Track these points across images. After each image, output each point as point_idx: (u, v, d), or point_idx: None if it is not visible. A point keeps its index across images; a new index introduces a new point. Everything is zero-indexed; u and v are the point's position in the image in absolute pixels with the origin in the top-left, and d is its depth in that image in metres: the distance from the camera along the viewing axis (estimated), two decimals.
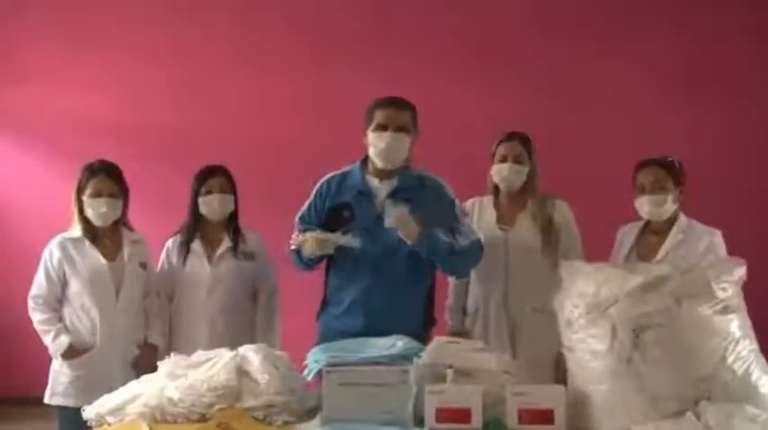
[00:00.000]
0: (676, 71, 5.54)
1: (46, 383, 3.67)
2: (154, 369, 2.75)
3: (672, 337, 2.29)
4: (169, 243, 3.92)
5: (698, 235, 3.52)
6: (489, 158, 3.74)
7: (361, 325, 3.14)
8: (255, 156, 5.35)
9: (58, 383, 3.63)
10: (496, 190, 3.78)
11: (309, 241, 3.17)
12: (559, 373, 2.77)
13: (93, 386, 3.36)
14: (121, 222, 3.74)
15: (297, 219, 3.42)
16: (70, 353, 3.58)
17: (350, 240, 3.19)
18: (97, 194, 3.61)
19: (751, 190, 5.38)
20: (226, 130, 5.60)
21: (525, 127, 3.81)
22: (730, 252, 3.38)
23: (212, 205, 3.81)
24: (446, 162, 5.19)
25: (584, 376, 2.41)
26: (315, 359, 2.53)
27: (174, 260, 3.87)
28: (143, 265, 3.76)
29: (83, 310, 3.62)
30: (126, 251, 3.70)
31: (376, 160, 3.30)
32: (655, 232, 3.58)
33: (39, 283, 3.66)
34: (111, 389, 2.66)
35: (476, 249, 3.34)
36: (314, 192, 3.41)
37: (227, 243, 3.86)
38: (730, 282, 2.37)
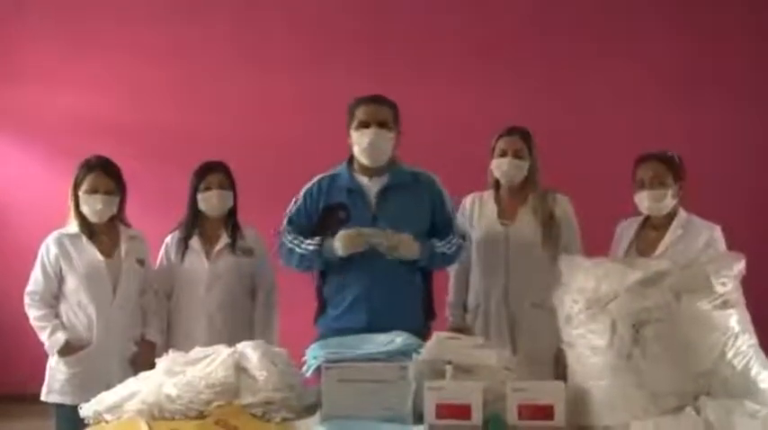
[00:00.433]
0: (676, 70, 5.55)
1: (43, 380, 3.66)
2: (151, 366, 2.74)
3: (671, 332, 2.28)
4: (168, 239, 3.93)
5: (697, 230, 3.52)
6: (489, 153, 3.73)
7: (363, 322, 3.14)
8: (255, 155, 5.35)
9: (55, 380, 3.62)
10: (497, 185, 3.78)
11: (347, 239, 3.17)
12: (559, 369, 2.76)
13: (89, 383, 3.37)
14: (118, 218, 3.73)
15: (285, 222, 3.40)
16: (67, 351, 3.57)
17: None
18: (93, 191, 3.60)
19: (750, 187, 5.38)
20: (225, 130, 5.61)
21: (525, 124, 3.80)
22: (730, 247, 3.38)
23: (211, 201, 3.81)
24: (446, 161, 5.22)
25: (583, 372, 2.41)
26: (314, 355, 2.52)
27: (173, 256, 3.87)
28: (140, 262, 3.75)
29: (79, 307, 3.61)
30: (123, 247, 3.69)
31: (361, 158, 3.31)
32: (654, 227, 3.58)
33: (35, 279, 3.65)
34: (108, 387, 2.65)
35: (464, 248, 3.46)
36: (302, 194, 3.40)
37: (225, 239, 3.86)
38: (730, 276, 2.36)
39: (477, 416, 2.35)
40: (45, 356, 3.66)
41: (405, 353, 2.49)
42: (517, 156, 3.67)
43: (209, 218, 3.86)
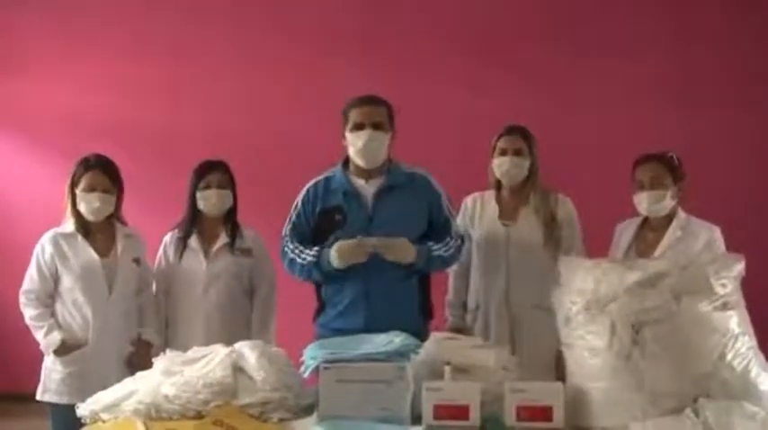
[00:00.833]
0: (676, 71, 5.53)
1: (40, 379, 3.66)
2: (148, 366, 2.73)
3: (671, 334, 2.28)
4: (167, 238, 3.92)
5: (696, 231, 3.51)
6: (489, 153, 3.73)
7: (361, 323, 3.14)
8: (253, 154, 5.34)
9: (51, 380, 3.61)
10: (498, 185, 3.77)
11: (343, 251, 3.16)
12: (559, 370, 2.76)
13: (85, 383, 3.37)
14: (115, 217, 3.71)
15: (287, 230, 3.38)
16: (62, 350, 3.55)
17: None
18: (90, 189, 3.59)
19: (750, 188, 5.37)
20: (224, 129, 5.60)
21: (525, 124, 3.80)
22: (729, 249, 3.37)
23: (210, 200, 3.80)
24: (445, 161, 5.23)
25: (582, 373, 2.40)
26: (312, 355, 2.51)
27: (171, 255, 3.86)
28: (136, 260, 3.73)
29: (75, 306, 3.59)
30: (119, 246, 3.68)
31: (356, 160, 3.30)
32: (653, 228, 3.58)
33: (30, 279, 3.64)
34: (103, 387, 2.64)
35: (462, 249, 3.46)
36: (299, 200, 3.38)
37: (223, 239, 3.85)
38: (729, 277, 2.36)
39: (475, 417, 2.35)
40: (42, 355, 3.64)
41: (403, 354, 2.48)
42: (517, 154, 3.66)
43: (208, 217, 3.85)
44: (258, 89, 5.73)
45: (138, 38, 5.78)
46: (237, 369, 2.54)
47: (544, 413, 2.35)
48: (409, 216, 3.29)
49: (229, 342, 2.72)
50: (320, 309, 3.41)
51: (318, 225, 3.31)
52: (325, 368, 2.42)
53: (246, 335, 3.51)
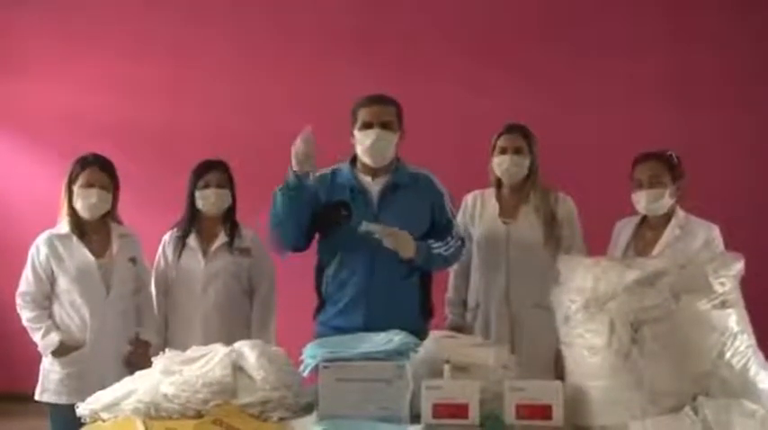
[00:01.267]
0: (675, 70, 5.53)
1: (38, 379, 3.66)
2: (146, 365, 2.74)
3: (670, 332, 2.28)
4: (166, 237, 3.92)
5: (695, 229, 3.51)
6: (489, 151, 3.73)
7: (360, 322, 3.14)
8: (253, 154, 5.34)
9: (49, 380, 3.61)
10: (499, 183, 3.77)
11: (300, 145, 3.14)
12: (559, 369, 2.76)
13: (84, 383, 3.37)
14: (110, 217, 3.71)
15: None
16: (61, 351, 3.55)
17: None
18: (89, 185, 3.58)
19: (749, 187, 5.37)
20: (225, 129, 5.60)
21: (524, 124, 3.80)
22: (728, 248, 3.37)
23: (209, 200, 3.81)
24: (446, 160, 5.23)
25: (582, 371, 2.41)
26: (311, 354, 2.51)
27: (170, 254, 3.87)
28: (132, 260, 3.73)
29: (72, 307, 3.59)
30: (115, 246, 3.67)
31: (364, 158, 3.30)
32: (652, 227, 3.57)
33: (26, 281, 3.63)
34: (102, 386, 2.64)
35: (462, 250, 3.45)
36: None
37: (222, 238, 3.85)
38: (728, 276, 2.37)
39: (474, 416, 2.35)
40: (41, 355, 3.64)
41: (402, 353, 2.48)
42: (517, 153, 3.67)
43: (207, 216, 3.86)
44: (258, 89, 5.73)
45: (138, 38, 5.79)
46: (237, 368, 2.54)
47: (543, 411, 2.35)
48: (413, 215, 3.29)
49: (228, 341, 2.72)
50: (320, 307, 3.41)
51: (322, 217, 3.30)
52: (325, 367, 2.43)
53: (246, 335, 3.52)
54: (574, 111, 5.49)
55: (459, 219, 3.75)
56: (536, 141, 3.72)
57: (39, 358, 3.65)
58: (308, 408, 2.51)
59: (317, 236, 3.37)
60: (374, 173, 3.32)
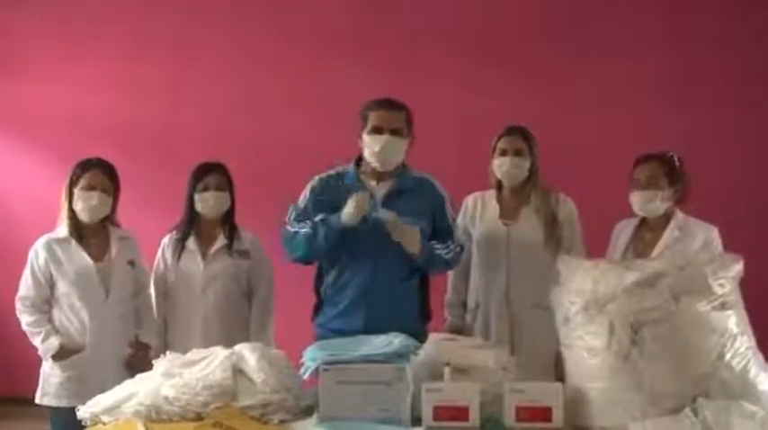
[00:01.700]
0: (675, 70, 5.53)
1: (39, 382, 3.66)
2: (146, 368, 2.74)
3: (670, 334, 2.28)
4: (165, 240, 3.92)
5: (694, 231, 3.50)
6: (490, 153, 3.73)
7: (360, 324, 3.15)
8: (253, 155, 5.35)
9: (49, 384, 3.61)
10: (499, 185, 3.77)
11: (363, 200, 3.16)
12: (559, 370, 2.76)
13: (84, 386, 3.37)
14: (109, 220, 3.71)
15: (291, 215, 3.37)
16: (61, 355, 3.55)
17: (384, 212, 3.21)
18: (90, 188, 3.59)
19: (748, 188, 5.36)
20: (225, 130, 5.59)
21: (525, 125, 3.80)
22: (727, 249, 3.37)
23: (208, 203, 3.81)
24: (446, 160, 5.23)
25: (581, 373, 2.41)
26: (311, 357, 2.51)
27: (169, 257, 3.87)
28: (131, 263, 3.73)
29: (72, 311, 3.59)
30: (113, 249, 3.67)
31: (372, 162, 3.31)
32: (651, 229, 3.57)
33: (26, 285, 3.63)
34: (102, 390, 2.65)
35: (460, 256, 3.49)
36: (308, 190, 3.39)
37: (221, 241, 3.85)
38: (728, 278, 2.36)
39: (474, 418, 2.36)
40: (41, 358, 3.64)
41: (402, 355, 2.48)
42: (518, 155, 3.67)
43: (206, 219, 3.86)
44: (258, 89, 5.72)
45: (138, 38, 5.78)
46: (237, 371, 2.55)
47: (543, 413, 2.36)
48: (417, 219, 3.30)
49: (228, 343, 2.72)
50: (318, 308, 3.41)
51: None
52: (325, 370, 2.43)
53: (245, 337, 3.54)
54: (574, 111, 5.48)
55: (460, 220, 3.77)
56: (536, 143, 3.72)
57: (39, 361, 3.65)
58: (308, 411, 2.52)
59: None
60: (379, 176, 3.34)
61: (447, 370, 2.46)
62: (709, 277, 2.34)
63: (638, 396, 2.26)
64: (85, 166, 3.63)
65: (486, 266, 3.71)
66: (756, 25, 5.50)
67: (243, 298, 3.89)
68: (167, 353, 2.73)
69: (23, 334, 3.64)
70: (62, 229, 3.64)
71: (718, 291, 2.33)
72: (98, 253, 3.65)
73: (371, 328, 2.84)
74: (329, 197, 3.33)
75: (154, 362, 2.69)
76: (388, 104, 3.32)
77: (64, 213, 3.64)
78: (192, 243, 3.85)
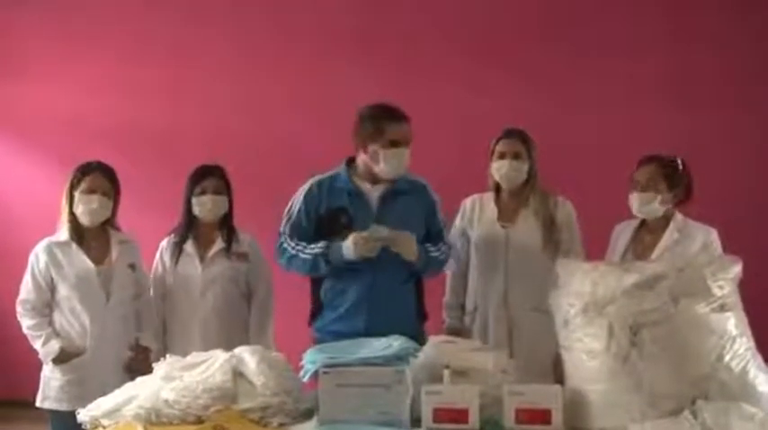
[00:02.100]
0: (675, 70, 5.53)
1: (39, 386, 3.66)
2: (146, 371, 2.74)
3: (669, 336, 2.29)
4: (163, 243, 3.93)
5: (693, 233, 3.50)
6: (488, 156, 3.73)
7: (362, 327, 3.15)
8: (253, 156, 5.36)
9: (50, 387, 3.61)
10: (497, 187, 3.77)
11: (359, 242, 3.17)
12: (557, 373, 2.76)
13: (84, 390, 3.37)
14: (110, 224, 3.71)
15: (285, 227, 3.38)
16: (61, 358, 3.55)
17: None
18: (91, 191, 3.58)
19: (748, 190, 5.36)
20: (225, 130, 5.60)
21: (524, 126, 3.80)
22: (726, 250, 3.37)
23: (205, 206, 3.81)
24: (446, 160, 5.24)
25: (581, 375, 2.41)
26: (311, 360, 2.51)
27: (167, 260, 3.87)
28: (132, 266, 3.73)
29: (73, 314, 3.59)
30: (114, 252, 3.67)
31: (386, 174, 3.32)
32: (650, 231, 3.57)
33: (26, 288, 3.63)
34: (103, 393, 2.65)
35: (450, 258, 3.54)
36: (301, 197, 3.38)
37: (219, 244, 3.85)
38: (727, 279, 2.37)
39: (474, 420, 2.36)
40: (41, 361, 3.64)
41: (401, 358, 2.49)
42: (516, 158, 3.67)
43: (204, 222, 3.86)
44: (258, 90, 5.72)
45: (138, 39, 5.77)
46: (237, 374, 2.56)
47: (543, 416, 2.35)
48: (411, 221, 3.33)
49: (227, 346, 2.73)
50: (317, 312, 3.41)
51: (322, 225, 3.32)
52: (325, 372, 2.43)
53: (244, 340, 3.53)
54: (574, 111, 5.48)
55: (458, 222, 3.79)
56: (535, 146, 3.72)
57: (39, 364, 3.66)
58: (308, 414, 2.52)
59: None
60: (374, 180, 3.34)
61: (446, 372, 2.46)
62: (708, 279, 2.34)
63: (637, 398, 2.27)
64: (86, 170, 3.63)
65: (485, 269, 3.71)
66: (756, 25, 5.49)
67: (242, 300, 3.89)
68: (167, 356, 2.74)
69: (23, 337, 3.64)
70: (63, 233, 3.64)
71: (717, 292, 2.33)
72: (99, 256, 3.65)
73: (372, 331, 2.85)
74: (327, 204, 3.33)
75: (154, 365, 2.70)
76: (402, 117, 3.33)
77: (64, 216, 3.64)
78: (190, 246, 3.85)
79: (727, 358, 2.28)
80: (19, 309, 3.64)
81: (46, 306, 3.62)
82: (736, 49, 5.46)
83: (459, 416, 2.36)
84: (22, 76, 5.81)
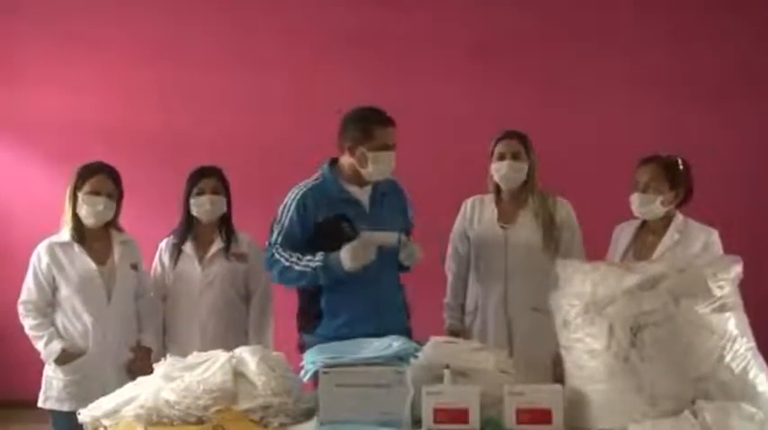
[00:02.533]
0: (676, 70, 5.53)
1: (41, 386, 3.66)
2: (148, 371, 2.74)
3: (669, 336, 2.29)
4: (162, 244, 3.93)
5: (694, 234, 3.49)
6: (488, 157, 3.73)
7: (368, 331, 3.10)
8: (254, 156, 5.36)
9: (52, 388, 3.61)
10: (497, 188, 3.77)
11: (355, 252, 3.15)
12: (557, 373, 2.76)
13: (86, 390, 3.36)
14: (112, 225, 3.70)
15: (278, 238, 3.32)
16: (63, 359, 3.55)
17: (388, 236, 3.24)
18: (95, 193, 3.57)
19: (748, 190, 5.37)
20: (225, 131, 5.60)
21: (524, 126, 3.80)
22: (727, 251, 3.36)
23: (204, 207, 3.81)
24: (446, 160, 5.24)
25: (581, 376, 2.41)
26: (311, 360, 2.51)
27: (166, 261, 3.87)
28: (134, 266, 3.73)
29: (74, 315, 3.58)
30: (116, 253, 3.67)
31: (374, 176, 3.32)
32: (651, 231, 3.56)
33: (28, 289, 3.62)
34: (104, 393, 2.66)
35: None
36: (292, 207, 3.32)
37: (218, 244, 3.85)
38: (727, 279, 2.37)
39: (474, 421, 2.36)
40: (43, 361, 3.63)
41: (402, 358, 2.48)
42: (515, 158, 3.66)
43: (203, 223, 3.86)
44: (258, 90, 5.72)
45: (136, 41, 5.77)
46: (238, 374, 2.56)
47: (543, 416, 2.36)
48: (397, 220, 3.39)
49: (226, 347, 2.73)
50: (316, 320, 3.36)
51: (321, 235, 3.29)
52: (325, 373, 2.43)
53: (243, 340, 3.54)
54: (574, 111, 5.49)
55: (458, 223, 3.79)
56: (533, 147, 3.72)
57: (39, 364, 3.65)
58: (308, 414, 2.52)
59: None
60: (362, 182, 3.36)
61: (447, 372, 2.47)
62: (708, 279, 2.34)
63: (637, 398, 2.27)
64: (90, 171, 3.62)
65: (484, 269, 3.71)
66: (756, 25, 5.50)
67: (241, 301, 3.89)
68: (167, 356, 2.74)
69: (24, 337, 3.64)
70: (64, 233, 3.64)
71: (718, 293, 2.33)
72: (101, 257, 3.65)
73: (377, 333, 2.82)
74: (324, 210, 3.31)
75: (155, 365, 2.70)
76: (390, 120, 3.33)
77: (67, 217, 3.63)
78: (188, 247, 3.85)
79: (727, 358, 2.28)
80: (21, 309, 3.63)
81: (48, 306, 3.62)
82: (736, 49, 5.48)
83: (460, 416, 2.36)
84: (20, 80, 5.80)
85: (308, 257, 3.23)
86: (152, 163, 5.46)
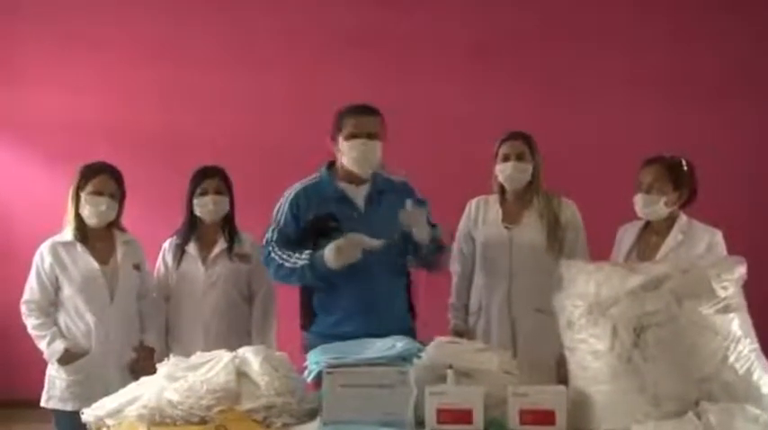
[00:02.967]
0: (676, 70, 5.54)
1: (44, 386, 3.66)
2: (150, 372, 2.74)
3: (673, 337, 2.29)
4: (165, 244, 3.92)
5: (698, 235, 3.49)
6: (492, 158, 3.73)
7: (362, 329, 3.12)
8: (254, 156, 5.36)
9: (54, 387, 3.60)
10: (502, 189, 3.77)
11: (339, 249, 3.12)
12: (561, 374, 2.76)
13: (89, 390, 3.37)
14: (115, 225, 3.70)
15: (272, 236, 3.33)
16: (66, 359, 3.54)
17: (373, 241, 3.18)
18: (98, 193, 3.57)
19: (751, 190, 5.37)
20: (225, 131, 5.60)
21: (524, 126, 3.80)
22: (730, 251, 3.36)
23: (207, 207, 3.81)
24: (446, 161, 5.24)
25: (585, 376, 2.41)
26: (314, 360, 2.51)
27: (170, 262, 3.87)
28: (137, 266, 3.73)
29: (77, 314, 3.58)
30: (119, 253, 3.67)
31: (352, 167, 3.32)
32: (655, 232, 3.56)
33: (31, 289, 3.62)
34: (107, 393, 2.66)
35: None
36: (286, 205, 3.34)
37: (221, 244, 3.85)
38: (731, 280, 2.36)
39: (478, 421, 2.36)
40: (46, 361, 3.63)
41: (405, 358, 2.48)
42: (520, 159, 3.66)
43: (206, 223, 3.86)
44: (258, 90, 5.72)
45: (136, 41, 5.77)
46: (241, 374, 2.56)
47: (547, 417, 2.36)
48: (395, 219, 3.30)
49: (229, 347, 2.73)
50: (311, 317, 3.38)
51: (310, 231, 3.30)
52: (328, 373, 2.43)
53: (246, 341, 3.54)
54: (574, 111, 5.49)
55: (463, 224, 3.79)
56: (538, 147, 3.72)
57: (42, 364, 3.65)
58: (311, 414, 2.52)
59: None
60: (357, 180, 3.35)
61: (450, 373, 2.46)
62: (712, 280, 2.34)
63: (641, 399, 2.27)
64: (93, 171, 3.61)
65: (489, 270, 3.71)
66: (756, 25, 5.51)
67: (244, 301, 3.89)
68: (171, 356, 2.75)
69: (26, 336, 3.63)
70: (67, 233, 3.63)
71: (722, 293, 2.33)
72: (104, 256, 3.64)
73: (372, 332, 2.83)
74: (315, 210, 3.31)
75: (158, 365, 2.70)
76: (363, 110, 3.34)
77: (70, 217, 3.62)
78: (192, 247, 3.85)
79: (731, 359, 2.28)
80: (23, 309, 3.63)
81: (51, 305, 3.61)
82: (736, 49, 5.48)
83: (463, 416, 2.36)
84: (21, 80, 5.80)
85: (297, 255, 3.24)
86: (152, 163, 5.46)
